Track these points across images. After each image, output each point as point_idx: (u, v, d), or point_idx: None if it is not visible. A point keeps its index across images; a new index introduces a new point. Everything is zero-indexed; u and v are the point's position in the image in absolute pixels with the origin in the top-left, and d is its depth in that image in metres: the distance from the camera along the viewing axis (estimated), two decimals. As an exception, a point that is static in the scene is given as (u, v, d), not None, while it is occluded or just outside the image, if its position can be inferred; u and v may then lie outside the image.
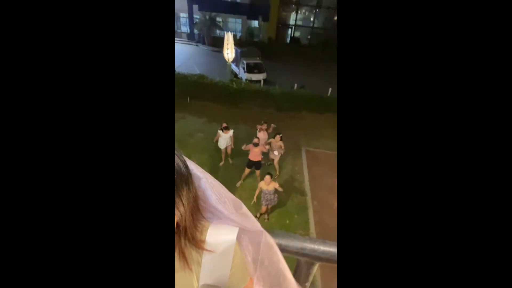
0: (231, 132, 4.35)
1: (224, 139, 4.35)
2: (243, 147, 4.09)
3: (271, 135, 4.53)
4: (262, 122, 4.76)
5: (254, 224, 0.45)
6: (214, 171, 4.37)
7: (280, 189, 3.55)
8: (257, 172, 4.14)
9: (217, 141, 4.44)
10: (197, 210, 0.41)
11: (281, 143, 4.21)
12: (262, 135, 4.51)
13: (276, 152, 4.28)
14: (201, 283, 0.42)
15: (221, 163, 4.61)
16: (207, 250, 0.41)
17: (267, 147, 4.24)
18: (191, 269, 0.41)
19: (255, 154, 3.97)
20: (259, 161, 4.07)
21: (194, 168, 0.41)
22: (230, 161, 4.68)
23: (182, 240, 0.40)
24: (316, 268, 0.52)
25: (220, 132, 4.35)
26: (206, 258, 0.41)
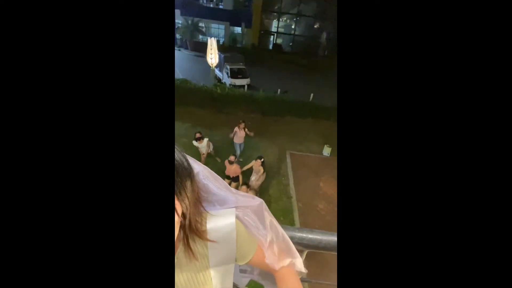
0: (205, 141, 4.37)
1: (202, 147, 4.42)
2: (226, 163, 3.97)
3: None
4: (240, 121, 4.87)
5: (253, 198, 0.50)
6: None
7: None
8: (233, 185, 4.00)
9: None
10: (199, 201, 0.44)
11: (261, 168, 3.79)
12: (241, 133, 4.67)
13: (253, 178, 3.88)
14: (212, 267, 0.44)
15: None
16: (210, 240, 0.43)
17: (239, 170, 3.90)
18: (197, 260, 0.43)
19: (231, 171, 3.89)
20: (236, 177, 3.96)
21: (192, 162, 0.44)
22: (219, 160, 4.66)
23: (188, 233, 0.41)
24: (304, 256, 0.57)
25: (194, 142, 4.37)
26: (211, 246, 0.44)
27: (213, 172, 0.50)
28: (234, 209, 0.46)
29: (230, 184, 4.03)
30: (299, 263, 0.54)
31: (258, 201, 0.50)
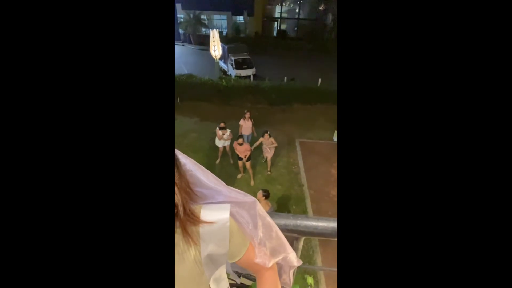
0: (228, 132, 4.40)
1: (225, 138, 4.43)
2: (234, 147, 4.14)
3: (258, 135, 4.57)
4: (246, 110, 4.84)
5: (246, 195, 0.49)
6: (210, 170, 4.41)
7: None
8: (247, 164, 4.21)
9: (215, 139, 4.53)
10: (190, 189, 0.43)
11: (272, 139, 4.25)
12: (247, 124, 4.66)
13: (268, 149, 4.34)
14: (204, 262, 0.43)
15: (217, 161, 4.65)
16: (206, 222, 0.42)
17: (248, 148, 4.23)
18: (196, 243, 0.42)
19: (241, 152, 4.10)
20: (248, 156, 4.19)
21: (178, 154, 0.43)
22: (231, 161, 4.70)
23: (182, 217, 0.41)
24: (301, 243, 0.56)
25: (218, 130, 4.41)
26: (204, 235, 0.43)
27: (201, 165, 0.49)
28: (229, 205, 0.46)
29: (243, 164, 4.21)
30: (293, 257, 0.53)
31: (251, 199, 0.49)
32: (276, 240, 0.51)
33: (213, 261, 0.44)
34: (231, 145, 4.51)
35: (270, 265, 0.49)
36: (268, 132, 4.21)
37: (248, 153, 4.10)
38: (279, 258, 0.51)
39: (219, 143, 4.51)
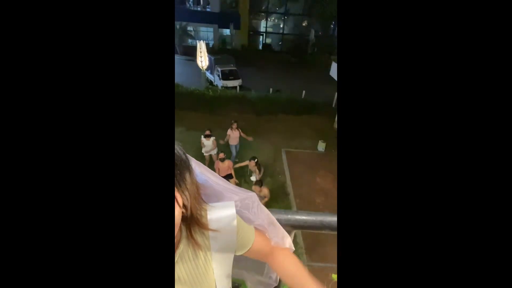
0: (211, 139, 4.40)
1: (207, 146, 4.42)
2: (215, 165, 3.96)
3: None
4: (233, 121, 4.84)
5: (245, 191, 0.54)
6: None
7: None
8: (231, 181, 4.12)
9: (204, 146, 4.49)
10: (199, 194, 0.45)
11: (256, 168, 3.99)
12: (234, 134, 4.65)
13: (253, 178, 4.22)
14: (213, 259, 0.46)
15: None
16: (212, 230, 0.45)
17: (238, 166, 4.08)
18: (201, 250, 0.45)
19: (223, 170, 3.88)
20: (229, 174, 4.00)
21: (190, 159, 0.46)
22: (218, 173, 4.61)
23: (190, 225, 0.43)
24: (292, 236, 0.61)
25: (203, 139, 4.40)
26: (212, 237, 0.46)
27: (208, 168, 0.53)
28: (233, 202, 0.49)
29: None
30: (290, 240, 0.59)
31: (251, 193, 0.54)
32: (277, 224, 0.56)
33: (223, 257, 0.47)
34: (217, 155, 4.49)
35: (288, 244, 0.53)
36: (256, 160, 3.95)
37: (230, 172, 3.92)
38: (292, 237, 0.56)
39: (204, 152, 4.48)
